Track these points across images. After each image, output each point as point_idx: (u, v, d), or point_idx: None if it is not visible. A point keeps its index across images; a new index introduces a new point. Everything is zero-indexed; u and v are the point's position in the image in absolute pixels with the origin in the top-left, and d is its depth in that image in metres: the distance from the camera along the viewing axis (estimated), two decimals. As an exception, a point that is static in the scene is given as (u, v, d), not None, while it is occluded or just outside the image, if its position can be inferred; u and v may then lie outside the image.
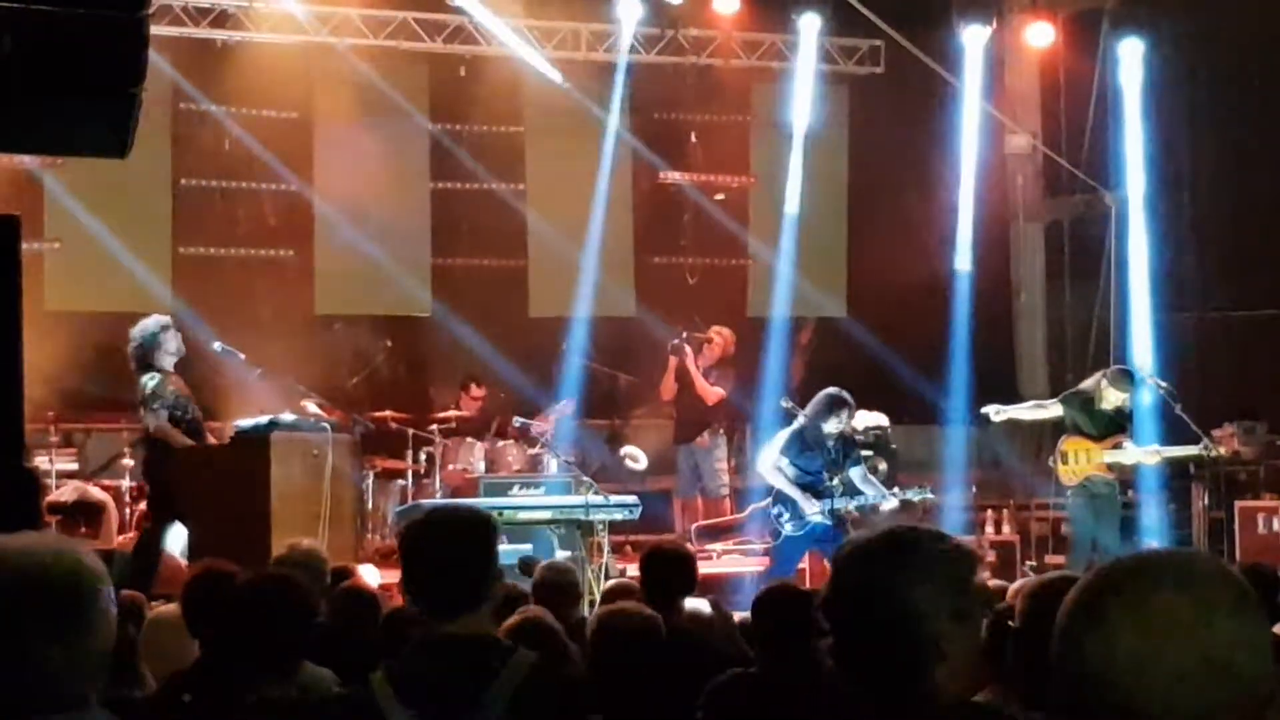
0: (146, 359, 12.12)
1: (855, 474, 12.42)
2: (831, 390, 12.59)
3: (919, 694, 2.82)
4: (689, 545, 14.80)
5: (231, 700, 4.62)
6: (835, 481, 12.21)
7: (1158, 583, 1.97)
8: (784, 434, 12.62)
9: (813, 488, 12.23)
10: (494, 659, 4.05)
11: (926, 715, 2.83)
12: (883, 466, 14.89)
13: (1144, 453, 13.77)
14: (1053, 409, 14.05)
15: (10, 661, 2.74)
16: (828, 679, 5.51)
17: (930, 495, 13.29)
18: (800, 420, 12.44)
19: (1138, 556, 2.02)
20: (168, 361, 12.15)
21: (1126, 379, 13.80)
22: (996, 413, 14.25)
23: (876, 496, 12.56)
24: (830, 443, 12.29)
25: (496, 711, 3.95)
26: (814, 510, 12.12)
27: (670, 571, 6.99)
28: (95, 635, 2.79)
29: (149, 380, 12.04)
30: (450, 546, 4.13)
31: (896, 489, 13.11)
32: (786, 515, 12.27)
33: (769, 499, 12.69)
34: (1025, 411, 14.46)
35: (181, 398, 12.17)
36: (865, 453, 13.81)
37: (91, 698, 2.80)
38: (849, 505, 12.52)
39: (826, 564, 12.50)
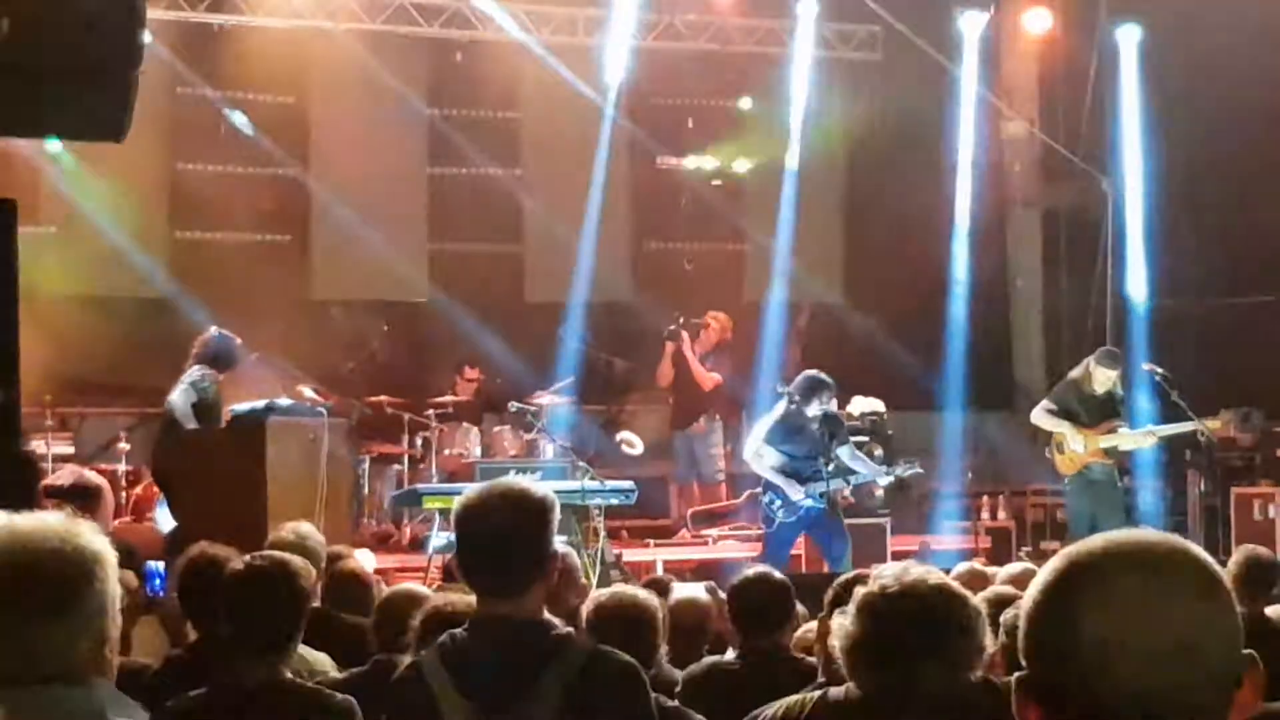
0: (211, 359, 12.51)
1: (844, 453, 12.34)
2: (811, 373, 12.47)
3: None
4: (686, 530, 14.98)
5: (226, 682, 4.62)
6: (825, 464, 12.12)
7: (1124, 565, 1.96)
8: (766, 420, 12.54)
9: (798, 473, 12.18)
10: (549, 644, 3.96)
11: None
12: (878, 452, 14.89)
13: (1140, 435, 13.66)
14: (1049, 414, 13.67)
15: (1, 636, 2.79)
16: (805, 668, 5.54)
17: (918, 469, 13.42)
18: (782, 406, 12.38)
19: (1105, 539, 2.01)
20: (223, 371, 12.60)
21: (1113, 357, 13.72)
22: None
23: (869, 475, 12.59)
24: (814, 425, 12.15)
25: (551, 698, 3.86)
26: (799, 495, 12.08)
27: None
28: (88, 613, 2.82)
29: (199, 371, 12.36)
30: (505, 525, 3.96)
31: (885, 466, 13.16)
32: (779, 503, 12.20)
33: (760, 488, 12.67)
34: (1050, 422, 13.91)
35: (215, 403, 12.47)
36: (860, 438, 13.79)
37: (89, 672, 2.83)
38: (843, 487, 12.52)
39: (819, 548, 12.53)
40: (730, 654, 5.99)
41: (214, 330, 12.85)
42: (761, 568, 6.18)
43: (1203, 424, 13.64)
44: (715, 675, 5.67)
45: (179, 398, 12.30)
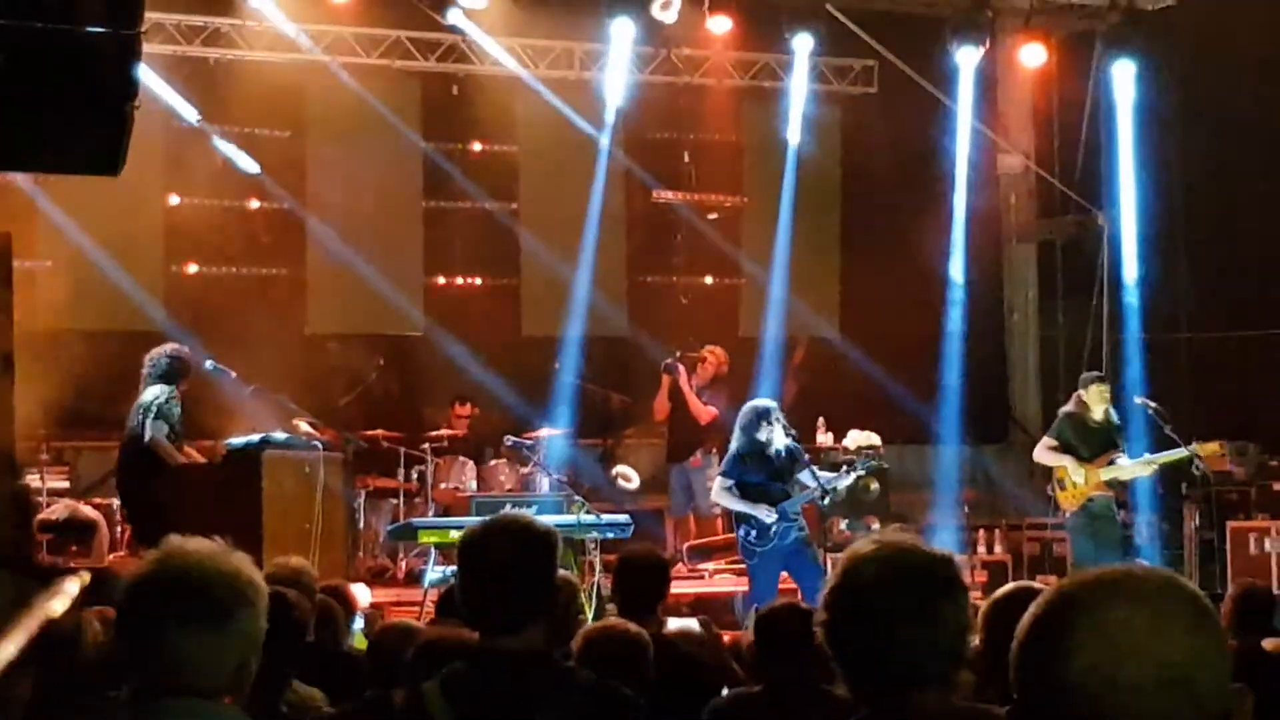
0: (170, 376, 12.35)
1: (804, 477, 12.35)
2: (749, 404, 12.64)
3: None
4: (682, 564, 14.94)
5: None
6: (788, 485, 12.17)
7: (1115, 598, 1.97)
8: (725, 458, 12.62)
9: (766, 497, 12.17)
10: (551, 677, 3.97)
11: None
12: (875, 486, 14.86)
13: (1139, 464, 13.60)
14: (1051, 450, 13.70)
15: (154, 648, 3.03)
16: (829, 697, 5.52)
17: (881, 462, 13.46)
18: (735, 440, 12.43)
19: (1096, 572, 2.03)
20: (183, 386, 12.46)
21: (1099, 376, 13.75)
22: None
23: (831, 479, 12.46)
24: (771, 451, 12.20)
25: None
26: (771, 517, 12.06)
27: (645, 580, 6.96)
28: (239, 633, 3.08)
29: (162, 391, 12.17)
30: (508, 559, 3.98)
31: (845, 467, 13.10)
32: (754, 533, 12.20)
33: (733, 526, 12.68)
34: (1052, 458, 13.94)
35: (179, 422, 12.36)
36: (859, 473, 13.79)
37: (228, 691, 3.10)
38: (810, 498, 12.40)
39: (797, 584, 12.45)
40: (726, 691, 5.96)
41: (165, 347, 12.74)
42: (787, 600, 6.21)
43: (1197, 448, 13.58)
44: (740, 706, 5.66)
45: (154, 432, 12.15)
